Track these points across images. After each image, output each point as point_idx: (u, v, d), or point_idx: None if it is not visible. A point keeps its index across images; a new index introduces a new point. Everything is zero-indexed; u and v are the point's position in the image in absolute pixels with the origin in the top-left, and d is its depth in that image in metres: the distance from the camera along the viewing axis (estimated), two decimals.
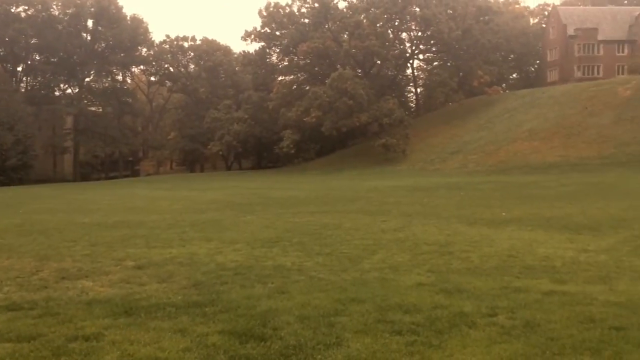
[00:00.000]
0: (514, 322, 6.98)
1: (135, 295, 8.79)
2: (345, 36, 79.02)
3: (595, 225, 16.00)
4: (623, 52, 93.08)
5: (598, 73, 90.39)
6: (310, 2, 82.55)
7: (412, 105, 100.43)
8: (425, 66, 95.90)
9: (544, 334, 6.51)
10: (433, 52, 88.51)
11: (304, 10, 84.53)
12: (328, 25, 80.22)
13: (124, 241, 15.00)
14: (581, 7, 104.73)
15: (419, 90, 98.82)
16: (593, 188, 31.21)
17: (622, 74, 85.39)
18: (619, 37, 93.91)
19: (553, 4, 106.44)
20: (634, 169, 43.78)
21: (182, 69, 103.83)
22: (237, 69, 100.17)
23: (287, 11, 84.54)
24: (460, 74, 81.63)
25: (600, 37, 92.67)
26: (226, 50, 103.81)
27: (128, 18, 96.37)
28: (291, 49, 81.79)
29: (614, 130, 54.54)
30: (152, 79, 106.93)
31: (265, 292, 8.87)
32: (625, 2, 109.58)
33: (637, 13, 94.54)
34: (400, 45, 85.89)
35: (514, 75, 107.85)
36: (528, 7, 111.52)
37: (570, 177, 40.41)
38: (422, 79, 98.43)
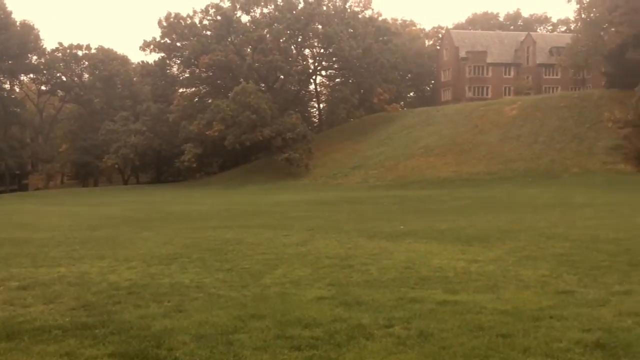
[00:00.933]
0: (409, 332, 7.16)
1: (19, 318, 8.17)
2: (249, 50, 78.94)
3: (485, 236, 16.87)
4: (509, 74, 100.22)
5: (487, 93, 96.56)
6: (213, 15, 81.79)
7: (315, 120, 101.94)
8: (327, 82, 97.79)
9: (437, 343, 6.73)
10: (335, 69, 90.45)
11: (205, 22, 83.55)
12: (231, 39, 79.75)
13: (7, 260, 13.97)
14: (472, 31, 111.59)
15: (321, 105, 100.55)
16: (483, 202, 33.01)
17: (509, 94, 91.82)
18: (506, 60, 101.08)
19: (446, 27, 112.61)
20: (519, 183, 46.90)
21: (76, 79, 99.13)
22: (135, 79, 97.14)
23: (188, 22, 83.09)
24: (361, 91, 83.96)
25: (489, 60, 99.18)
26: (123, 60, 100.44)
27: (17, 24, 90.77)
28: (192, 60, 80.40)
29: (501, 148, 58.19)
30: (43, 88, 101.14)
31: (160, 312, 8.54)
32: (512, 27, 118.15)
33: (522, 38, 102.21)
34: (303, 61, 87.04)
35: (411, 94, 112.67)
36: (424, 29, 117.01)
37: (462, 191, 42.54)
38: (324, 94, 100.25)
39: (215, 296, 9.56)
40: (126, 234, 20.23)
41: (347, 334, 7.11)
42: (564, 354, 6.26)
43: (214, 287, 10.38)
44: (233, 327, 7.50)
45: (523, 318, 7.68)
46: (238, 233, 19.62)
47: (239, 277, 11.31)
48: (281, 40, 78.28)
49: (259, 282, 10.77)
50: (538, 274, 10.91)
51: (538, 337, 6.84)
